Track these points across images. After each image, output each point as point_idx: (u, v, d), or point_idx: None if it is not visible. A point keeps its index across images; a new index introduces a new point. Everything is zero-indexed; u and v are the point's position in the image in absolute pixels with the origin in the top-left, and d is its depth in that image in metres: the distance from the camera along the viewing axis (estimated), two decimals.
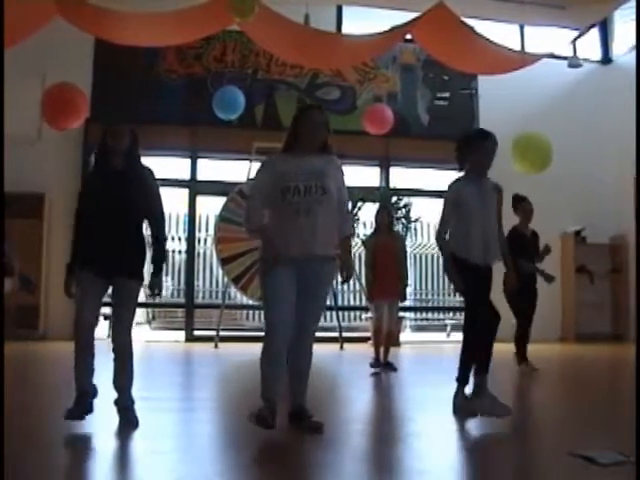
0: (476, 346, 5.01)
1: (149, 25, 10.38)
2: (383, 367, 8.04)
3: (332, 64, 12.56)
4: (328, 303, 12.23)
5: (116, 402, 4.52)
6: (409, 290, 18.45)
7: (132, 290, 4.70)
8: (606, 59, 14.83)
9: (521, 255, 7.58)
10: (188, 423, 4.99)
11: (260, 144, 12.01)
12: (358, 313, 16.43)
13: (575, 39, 12.76)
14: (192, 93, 12.88)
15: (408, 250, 16.48)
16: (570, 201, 12.89)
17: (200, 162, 13.24)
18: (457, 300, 18.49)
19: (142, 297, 18.84)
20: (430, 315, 18.43)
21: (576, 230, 13.39)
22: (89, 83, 12.27)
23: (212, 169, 13.43)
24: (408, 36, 11.77)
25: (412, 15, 10.87)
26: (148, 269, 4.75)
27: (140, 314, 17.81)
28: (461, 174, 5.59)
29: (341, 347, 11.12)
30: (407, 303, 17.78)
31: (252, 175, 11.90)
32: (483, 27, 12.02)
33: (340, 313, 12.14)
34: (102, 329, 13.00)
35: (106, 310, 13.75)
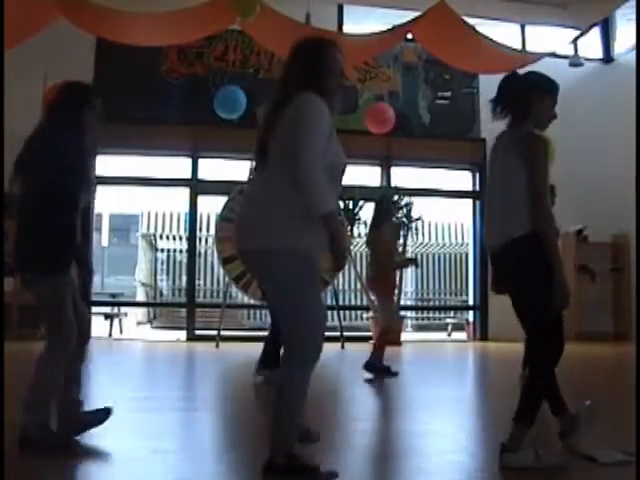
0: None
1: (151, 25, 10.39)
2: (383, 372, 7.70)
3: None
4: (329, 302, 12.34)
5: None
6: (410, 289, 18.58)
7: None
8: (607, 58, 14.81)
9: None
10: (188, 423, 4.99)
11: None
12: (359, 312, 16.45)
13: (576, 38, 12.75)
14: (193, 93, 12.87)
15: (409, 249, 16.61)
16: (571, 200, 12.85)
17: (201, 162, 13.23)
18: (458, 299, 18.56)
19: (143, 296, 18.84)
20: (431, 314, 18.46)
21: (577, 229, 13.38)
22: (90, 83, 12.26)
23: (213, 169, 13.43)
24: (409, 35, 11.77)
25: (413, 14, 10.88)
26: None
27: (141, 313, 17.87)
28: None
29: (342, 346, 11.12)
30: (408, 302, 17.92)
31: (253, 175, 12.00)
32: (484, 26, 12.03)
33: (341, 312, 12.14)
34: (102, 329, 13.04)
35: (106, 309, 13.76)
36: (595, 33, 14.38)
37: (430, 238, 19.49)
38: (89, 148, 4.17)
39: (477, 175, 14.05)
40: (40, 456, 3.68)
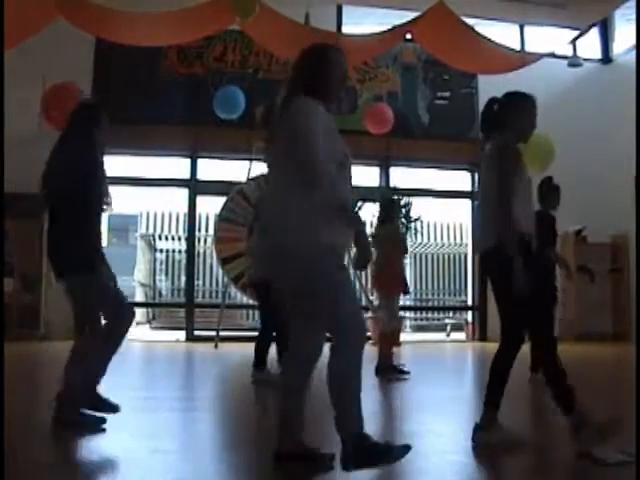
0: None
1: (150, 25, 10.39)
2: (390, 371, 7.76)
3: None
4: None
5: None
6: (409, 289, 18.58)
7: None
8: (606, 59, 14.83)
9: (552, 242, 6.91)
10: (188, 423, 4.99)
11: (260, 144, 12.00)
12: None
13: (575, 38, 12.76)
14: (193, 93, 12.87)
15: (408, 249, 16.63)
16: (570, 200, 12.81)
17: (200, 162, 13.24)
18: (457, 300, 18.56)
19: (142, 297, 18.87)
20: (430, 315, 18.46)
21: (577, 229, 13.38)
22: (90, 83, 12.27)
23: (212, 169, 13.43)
24: (408, 36, 11.77)
25: (412, 15, 10.89)
26: None
27: (140, 314, 17.87)
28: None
29: None
30: (407, 303, 17.92)
31: (252, 175, 12.01)
32: (483, 26, 12.04)
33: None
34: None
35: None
36: (594, 33, 14.40)
37: (429, 238, 19.51)
38: (101, 162, 4.55)
39: (476, 175, 14.05)
40: (40, 456, 3.68)
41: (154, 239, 19.27)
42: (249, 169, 12.10)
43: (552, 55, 12.49)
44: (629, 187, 12.91)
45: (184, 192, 13.35)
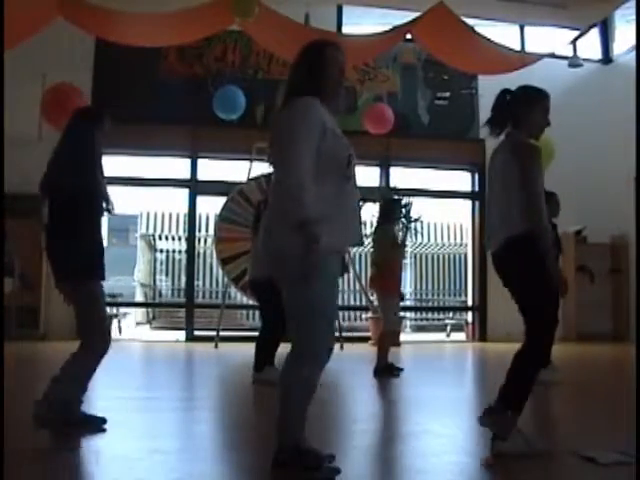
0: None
1: (150, 25, 10.40)
2: (386, 371, 7.80)
3: None
4: None
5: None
6: (409, 289, 18.60)
7: None
8: (606, 59, 14.82)
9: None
10: (188, 423, 4.99)
11: (260, 144, 12.01)
12: (358, 313, 16.45)
13: (575, 39, 12.76)
14: (193, 93, 12.87)
15: (408, 250, 16.63)
16: (570, 201, 12.80)
17: (200, 162, 13.23)
18: (457, 300, 18.57)
19: (142, 297, 18.89)
20: (430, 315, 18.45)
21: (576, 230, 13.38)
22: (90, 83, 12.27)
23: (212, 169, 13.43)
24: (408, 36, 11.77)
25: (412, 15, 10.89)
26: None
27: (140, 314, 17.88)
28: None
29: (341, 347, 11.12)
30: (407, 303, 17.92)
31: (252, 175, 12.01)
32: (483, 27, 12.04)
33: (340, 313, 12.15)
34: None
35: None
36: (594, 34, 14.40)
37: (429, 238, 19.50)
38: (100, 165, 4.49)
39: (476, 175, 14.05)
40: (40, 456, 3.68)
41: (154, 239, 19.27)
42: (249, 169, 12.10)
43: (552, 55, 12.49)
44: (629, 187, 12.91)
45: (184, 192, 13.35)
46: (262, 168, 12.06)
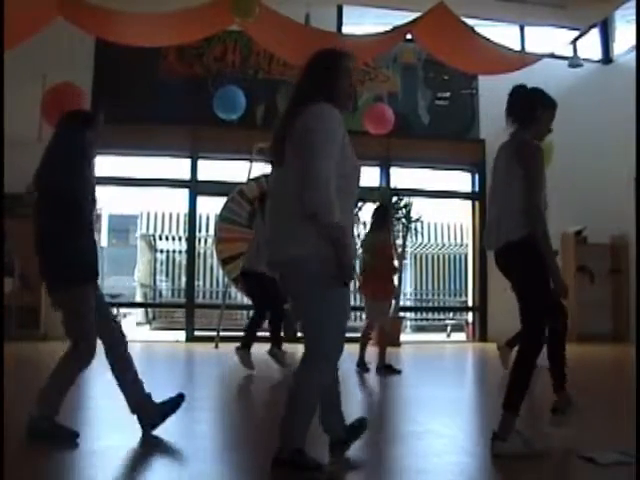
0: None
1: (150, 25, 10.40)
2: (385, 370, 8.04)
3: None
4: None
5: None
6: (409, 290, 18.59)
7: None
8: (606, 59, 14.82)
9: None
10: (188, 423, 4.99)
11: (261, 144, 12.01)
12: (358, 313, 16.44)
13: (575, 39, 12.76)
14: (193, 93, 12.87)
15: (408, 250, 16.62)
16: (571, 201, 12.87)
17: (200, 162, 13.23)
18: (457, 300, 18.56)
19: (142, 297, 18.84)
20: (430, 315, 18.45)
21: (577, 230, 13.38)
22: (90, 83, 12.27)
23: (212, 169, 13.43)
24: (409, 36, 11.77)
25: (412, 15, 10.89)
26: None
27: (140, 314, 17.88)
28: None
29: None
30: (407, 303, 17.92)
31: (252, 175, 12.01)
32: (483, 27, 12.04)
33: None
34: None
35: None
36: (594, 34, 14.40)
37: (429, 239, 19.49)
38: (92, 164, 4.46)
39: (476, 176, 14.04)
40: (40, 456, 3.68)
41: (154, 239, 19.26)
42: (249, 169, 12.10)
43: (552, 56, 12.49)
44: (629, 188, 12.90)
45: (184, 192, 13.35)
46: (262, 168, 12.07)
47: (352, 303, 15.96)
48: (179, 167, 13.25)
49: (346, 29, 13.65)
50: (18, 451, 3.67)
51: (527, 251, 3.98)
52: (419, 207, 13.25)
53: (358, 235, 12.44)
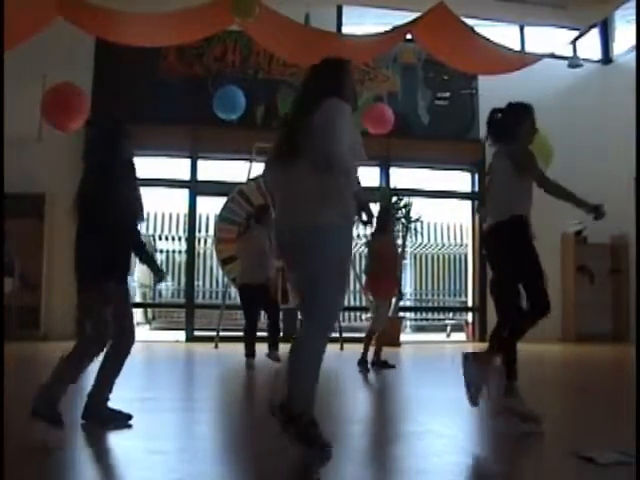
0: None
1: (150, 25, 10.40)
2: (379, 366, 8.33)
3: None
4: None
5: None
6: (409, 290, 18.60)
7: None
8: (606, 59, 14.83)
9: None
10: (188, 423, 4.99)
11: (261, 144, 12.01)
12: (358, 313, 16.45)
13: (575, 39, 12.77)
14: (192, 93, 12.88)
15: (408, 250, 16.61)
16: None
17: (200, 162, 13.24)
18: (457, 300, 18.56)
19: (142, 297, 18.84)
20: (430, 315, 18.46)
21: (576, 230, 13.38)
22: (90, 83, 12.28)
23: (212, 169, 13.43)
24: (408, 36, 11.77)
25: (412, 15, 10.90)
26: None
27: (140, 314, 17.88)
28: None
29: (341, 348, 11.12)
30: (407, 303, 17.92)
31: (252, 175, 12.01)
32: (483, 27, 12.04)
33: (340, 313, 12.13)
34: None
35: None
36: (594, 34, 14.40)
37: (429, 239, 19.49)
38: (128, 175, 4.62)
39: (476, 176, 14.05)
40: (40, 456, 3.68)
41: (154, 239, 19.26)
42: (249, 169, 12.10)
43: (552, 56, 12.50)
44: (629, 188, 12.91)
45: (184, 192, 13.35)
46: (262, 168, 12.06)
47: (353, 303, 16.01)
48: (179, 167, 13.25)
49: (346, 29, 13.66)
50: (18, 451, 3.67)
51: (514, 230, 4.72)
52: (419, 207, 13.25)
53: (358, 235, 12.47)
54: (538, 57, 11.93)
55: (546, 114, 12.65)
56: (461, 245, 18.61)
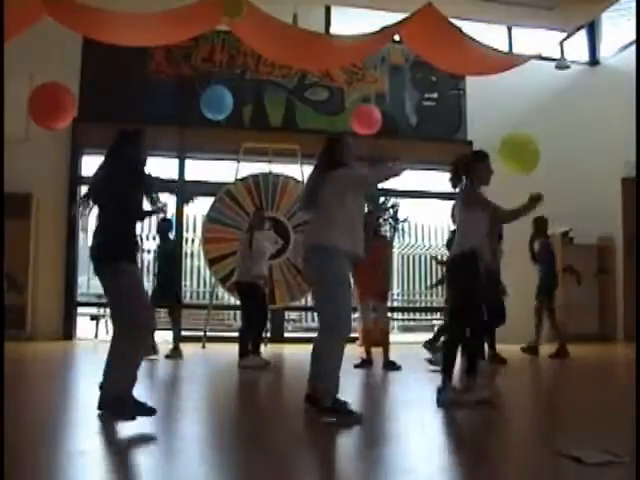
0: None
1: (138, 25, 10.35)
2: (385, 366, 8.67)
3: (321, 65, 12.54)
4: None
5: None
6: (396, 290, 18.60)
7: None
8: (593, 61, 14.89)
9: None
10: (176, 424, 4.98)
11: (248, 144, 12.02)
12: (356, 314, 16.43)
13: (563, 41, 12.80)
14: (180, 93, 12.86)
15: (395, 251, 16.61)
16: (557, 202, 12.90)
17: (188, 162, 13.21)
18: (444, 301, 18.57)
19: None
20: (417, 316, 18.48)
21: (563, 231, 13.43)
22: (77, 82, 12.24)
23: (200, 169, 13.40)
24: (396, 37, 11.78)
25: (400, 16, 10.89)
26: None
27: None
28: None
29: None
30: (394, 304, 17.92)
31: (240, 175, 11.99)
32: (471, 28, 12.05)
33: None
34: (88, 330, 13.01)
35: (92, 311, 13.64)
36: (581, 36, 14.46)
37: (417, 239, 19.49)
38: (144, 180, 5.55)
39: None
40: (39, 456, 3.66)
41: (141, 240, 19.18)
42: (237, 169, 12.09)
43: (539, 57, 12.53)
44: (616, 188, 12.99)
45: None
46: (249, 168, 12.05)
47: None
48: (166, 167, 13.21)
49: (334, 29, 13.67)
50: (18, 451, 3.65)
51: (465, 263, 5.68)
52: (406, 208, 13.26)
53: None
54: (526, 58, 11.94)
55: (533, 115, 12.77)
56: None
